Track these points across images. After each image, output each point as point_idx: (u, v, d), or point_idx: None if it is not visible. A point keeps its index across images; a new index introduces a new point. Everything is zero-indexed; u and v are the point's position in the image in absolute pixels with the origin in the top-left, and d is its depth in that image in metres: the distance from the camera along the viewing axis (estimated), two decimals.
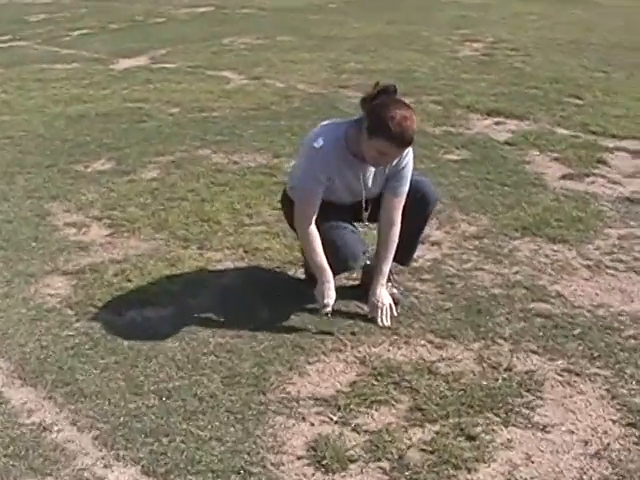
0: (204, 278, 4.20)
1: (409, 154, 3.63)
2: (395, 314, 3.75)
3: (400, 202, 3.71)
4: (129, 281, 4.14)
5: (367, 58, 9.87)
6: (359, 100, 3.56)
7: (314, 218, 3.62)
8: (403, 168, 3.65)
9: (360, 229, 4.02)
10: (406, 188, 3.70)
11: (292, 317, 3.80)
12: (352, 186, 3.67)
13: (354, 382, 3.33)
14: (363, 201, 3.71)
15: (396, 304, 3.83)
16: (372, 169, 3.63)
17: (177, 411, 3.14)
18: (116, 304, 3.92)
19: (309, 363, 3.46)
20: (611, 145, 6.38)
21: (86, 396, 3.24)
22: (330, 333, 3.65)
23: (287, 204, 3.84)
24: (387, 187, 3.70)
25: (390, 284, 3.95)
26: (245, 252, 4.49)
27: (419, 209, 3.78)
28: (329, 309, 3.61)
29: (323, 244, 3.60)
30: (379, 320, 3.71)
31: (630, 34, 11.86)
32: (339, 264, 3.64)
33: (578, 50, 10.39)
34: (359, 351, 3.55)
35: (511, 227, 4.81)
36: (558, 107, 7.52)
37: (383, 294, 3.74)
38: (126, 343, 3.59)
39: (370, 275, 3.86)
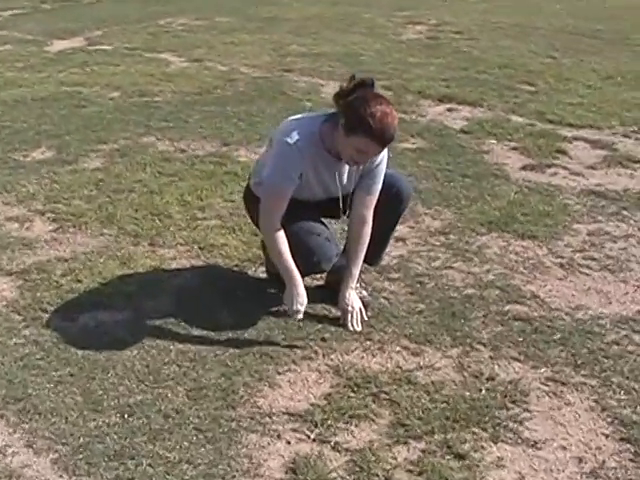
0: (159, 278, 3.92)
1: (384, 155, 3.41)
2: (366, 318, 3.53)
3: (373, 200, 3.50)
4: (79, 282, 3.84)
5: (310, 41, 9.62)
6: (333, 95, 3.31)
7: (281, 217, 3.35)
8: (378, 165, 3.44)
9: (335, 225, 3.77)
10: (379, 186, 3.49)
11: (256, 321, 3.57)
12: (326, 183, 3.44)
13: (329, 394, 3.10)
14: (340, 199, 3.47)
15: (366, 307, 3.63)
16: (347, 166, 3.40)
17: (141, 430, 2.88)
18: (67, 308, 3.63)
19: (279, 373, 3.22)
20: (569, 134, 6.26)
21: (41, 414, 2.95)
22: (299, 339, 3.41)
23: (251, 200, 3.59)
24: (360, 184, 3.48)
25: (358, 285, 3.72)
26: (200, 249, 4.23)
27: (392, 205, 3.57)
28: (300, 315, 3.38)
29: (292, 245, 3.36)
30: (350, 325, 3.50)
31: (573, 18, 11.83)
32: (310, 266, 3.41)
33: (524, 34, 10.29)
34: (331, 359, 3.33)
35: (477, 222, 4.63)
36: (511, 94, 7.38)
37: (353, 298, 3.52)
38: (80, 352, 3.30)
39: (337, 276, 3.64)
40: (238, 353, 3.33)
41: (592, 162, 5.71)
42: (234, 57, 8.46)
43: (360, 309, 3.51)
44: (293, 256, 3.38)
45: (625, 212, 4.87)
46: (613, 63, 8.80)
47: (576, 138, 6.20)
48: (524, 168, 5.53)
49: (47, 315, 3.57)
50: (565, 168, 5.57)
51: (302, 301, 3.37)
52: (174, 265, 4.06)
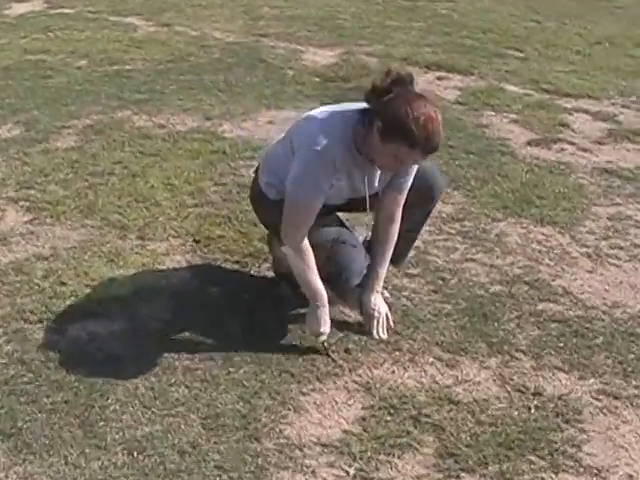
0: (153, 278, 3.52)
1: None
2: (392, 325, 3.16)
3: (402, 198, 3.14)
4: (63, 284, 3.43)
5: (282, 2, 9.11)
6: (365, 92, 2.88)
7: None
8: (411, 168, 3.04)
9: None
10: (410, 183, 3.09)
11: (268, 329, 3.20)
12: (356, 186, 3.06)
13: (363, 418, 2.75)
14: (367, 198, 3.07)
15: (389, 309, 3.25)
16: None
17: (155, 471, 2.51)
18: (52, 317, 3.22)
19: (303, 394, 2.86)
20: (568, 105, 5.93)
21: (35, 453, 2.56)
22: (320, 352, 3.04)
23: (263, 203, 3.20)
24: (392, 182, 3.09)
25: None
26: (195, 242, 3.82)
27: (424, 202, 3.22)
28: (325, 337, 3.04)
29: (315, 256, 2.97)
30: (375, 333, 3.14)
31: None
32: (338, 285, 3.10)
33: None
34: (359, 375, 2.97)
35: (491, 206, 4.28)
36: (500, 61, 7.02)
37: (379, 302, 3.16)
38: (74, 373, 2.91)
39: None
40: (253, 370, 2.96)
41: (597, 136, 5.39)
42: (204, 21, 7.95)
43: (387, 314, 3.14)
44: (319, 270, 2.99)
45: None
46: (598, 27, 8.49)
47: (576, 110, 5.86)
48: (529, 144, 5.19)
49: (31, 327, 3.16)
50: (571, 143, 5.24)
51: (328, 321, 3.04)
52: (168, 262, 3.65)
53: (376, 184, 3.06)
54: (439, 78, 6.54)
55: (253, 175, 3.36)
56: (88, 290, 3.41)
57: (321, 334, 3.02)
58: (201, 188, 4.35)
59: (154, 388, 2.85)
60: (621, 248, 3.94)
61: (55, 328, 3.16)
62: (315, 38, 7.51)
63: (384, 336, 3.14)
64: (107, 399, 2.78)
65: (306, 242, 2.97)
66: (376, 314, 3.13)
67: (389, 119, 2.76)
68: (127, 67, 6.43)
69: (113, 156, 4.70)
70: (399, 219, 3.15)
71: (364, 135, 2.86)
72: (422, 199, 3.16)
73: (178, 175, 4.48)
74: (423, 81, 6.41)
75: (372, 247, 3.22)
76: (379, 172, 3.01)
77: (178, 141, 4.95)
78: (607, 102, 6.09)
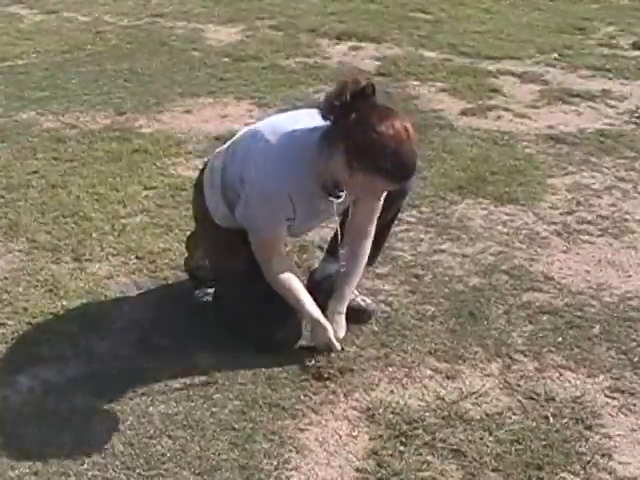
0: (101, 309, 3.15)
1: None
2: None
3: (376, 212, 2.84)
4: (1, 325, 3.02)
5: None
6: (321, 107, 2.54)
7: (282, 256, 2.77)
8: None
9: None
10: (382, 202, 2.79)
11: (245, 356, 2.85)
12: (321, 214, 2.78)
13: (374, 452, 2.47)
14: (338, 230, 2.79)
15: (369, 317, 2.97)
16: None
17: None
18: None
19: (301, 430, 2.56)
20: (492, 68, 5.78)
21: None
22: (308, 376, 2.75)
23: (207, 226, 2.87)
24: (365, 202, 2.78)
25: (357, 291, 3.08)
26: (138, 259, 3.46)
27: (394, 199, 2.91)
28: (339, 346, 2.81)
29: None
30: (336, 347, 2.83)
31: None
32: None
33: None
34: (356, 399, 2.69)
35: (445, 188, 4.05)
36: (411, 25, 6.82)
37: (339, 326, 2.86)
38: (35, 436, 2.53)
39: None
40: (239, 408, 2.64)
41: (530, 99, 5.24)
42: (92, 4, 7.43)
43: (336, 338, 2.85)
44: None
45: (593, 159, 4.42)
46: None
47: (501, 72, 5.71)
48: (464, 113, 5.00)
49: None
50: (506, 109, 5.09)
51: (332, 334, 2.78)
52: (113, 286, 3.27)
53: (346, 205, 2.76)
54: (353, 48, 6.28)
55: (193, 190, 3.02)
56: (31, 329, 3.01)
57: (335, 346, 2.76)
58: (130, 195, 3.97)
59: (133, 444, 2.49)
60: (589, 222, 3.78)
61: (3, 381, 2.74)
62: (213, 14, 7.13)
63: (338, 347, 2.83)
64: (82, 464, 2.41)
65: (286, 270, 2.74)
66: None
67: (353, 147, 2.44)
68: (20, 62, 5.92)
69: (26, 165, 4.25)
70: (372, 234, 2.87)
71: (326, 163, 2.54)
72: (392, 196, 2.86)
73: (102, 181, 4.08)
74: (337, 53, 6.16)
75: (342, 263, 2.93)
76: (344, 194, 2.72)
77: (94, 142, 4.54)
78: (530, 61, 5.96)
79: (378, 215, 2.89)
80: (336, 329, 2.83)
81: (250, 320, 2.82)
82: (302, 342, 2.88)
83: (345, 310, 2.89)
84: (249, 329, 2.84)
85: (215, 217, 2.83)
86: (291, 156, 2.57)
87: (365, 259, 2.90)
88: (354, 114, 2.42)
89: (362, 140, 2.40)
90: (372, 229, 2.85)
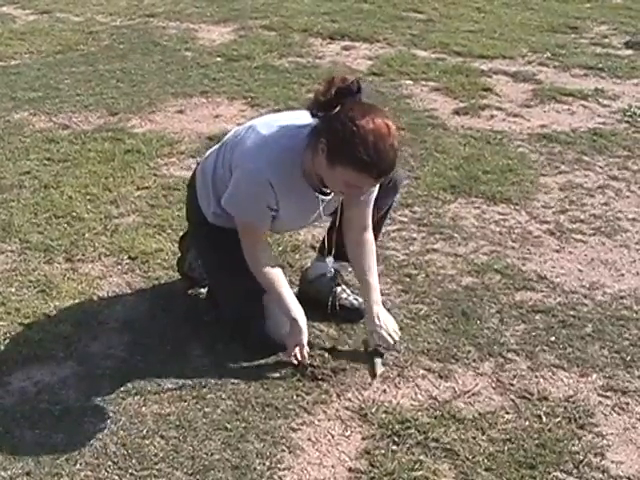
0: (94, 308, 3.14)
1: None
2: (397, 339, 2.85)
3: (369, 206, 2.83)
4: None
5: None
6: (309, 104, 2.56)
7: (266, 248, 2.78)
8: None
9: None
10: (375, 194, 2.79)
11: (237, 355, 2.86)
12: (308, 212, 2.79)
13: (367, 451, 2.47)
14: (325, 237, 2.87)
15: (361, 316, 2.97)
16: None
17: None
18: None
19: (293, 430, 2.55)
20: (485, 68, 5.77)
21: None
22: (305, 377, 2.74)
23: (199, 226, 2.89)
24: (354, 200, 2.77)
25: (350, 290, 3.08)
26: (131, 259, 3.45)
27: (386, 196, 2.91)
28: (294, 360, 2.77)
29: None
30: (389, 342, 2.81)
31: None
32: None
33: None
34: (349, 399, 2.68)
35: (438, 187, 4.05)
36: (403, 24, 6.80)
37: (384, 316, 2.83)
38: (29, 435, 2.53)
39: (318, 287, 3.02)
40: (232, 408, 2.63)
41: (523, 99, 5.24)
42: (85, 4, 7.40)
43: (394, 330, 2.82)
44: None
45: (586, 158, 4.42)
46: None
47: (494, 71, 5.71)
48: (457, 113, 4.99)
49: None
50: (499, 109, 5.07)
51: (305, 337, 2.72)
52: (106, 286, 3.26)
53: (331, 208, 2.77)
54: (345, 48, 6.27)
55: (187, 189, 3.02)
56: (23, 329, 3.00)
57: (303, 351, 2.72)
58: (123, 195, 3.97)
59: (125, 444, 2.49)
60: (582, 221, 3.78)
61: None
62: (206, 14, 7.11)
63: (391, 341, 2.81)
64: (75, 464, 2.41)
65: (269, 264, 2.74)
66: (383, 332, 2.80)
67: (333, 139, 2.44)
68: (13, 62, 5.90)
69: (19, 166, 4.24)
70: (370, 225, 2.85)
71: (312, 158, 2.53)
72: (384, 193, 2.85)
73: (95, 182, 4.07)
74: (329, 52, 6.15)
75: (350, 258, 2.92)
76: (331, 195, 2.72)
77: (86, 142, 4.53)
78: (522, 61, 5.95)
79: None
80: (384, 319, 2.79)
81: (243, 319, 2.81)
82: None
83: (381, 299, 2.85)
84: (242, 328, 2.83)
85: (207, 215, 2.83)
86: (278, 146, 2.60)
87: (373, 245, 2.87)
88: (337, 109, 2.41)
89: (341, 132, 2.41)
90: (370, 222, 2.84)
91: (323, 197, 2.70)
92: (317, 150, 2.51)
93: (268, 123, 2.69)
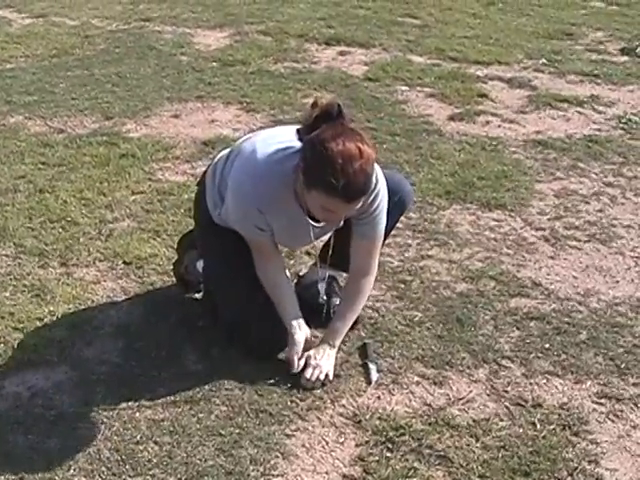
0: (88, 314, 3.13)
1: (379, 190, 2.67)
2: (325, 384, 2.79)
3: (376, 248, 2.82)
4: None
5: None
6: (297, 129, 2.58)
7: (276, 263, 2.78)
8: (374, 211, 2.71)
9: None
10: (382, 226, 2.78)
11: (232, 362, 2.85)
12: (298, 236, 2.80)
13: (361, 458, 2.47)
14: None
15: (356, 322, 2.96)
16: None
17: None
18: None
19: (287, 436, 2.55)
20: (480, 74, 5.77)
21: None
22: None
23: (205, 224, 2.88)
24: (356, 230, 2.77)
25: (335, 295, 3.08)
26: (126, 264, 3.44)
27: (393, 214, 2.88)
28: (294, 370, 2.77)
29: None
30: (303, 381, 2.76)
31: None
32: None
33: None
34: (343, 406, 2.68)
35: (433, 193, 4.04)
36: (399, 30, 6.80)
37: (325, 358, 2.79)
38: (22, 440, 2.52)
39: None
40: (226, 413, 2.63)
41: (518, 105, 5.25)
42: (81, 8, 7.40)
43: (327, 375, 2.77)
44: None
45: (581, 164, 4.43)
46: None
47: (490, 77, 5.71)
48: (452, 118, 4.99)
49: None
50: (494, 115, 5.08)
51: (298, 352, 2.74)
52: (101, 291, 3.26)
53: (326, 232, 2.79)
54: (341, 53, 6.27)
55: (197, 187, 3.03)
56: (17, 334, 2.99)
57: (293, 366, 2.73)
58: (118, 199, 3.96)
59: (119, 449, 2.48)
60: (577, 228, 3.78)
61: None
62: (202, 19, 7.11)
63: (308, 385, 2.77)
64: (69, 470, 2.41)
65: (271, 269, 2.77)
66: (316, 371, 2.77)
67: (305, 162, 2.45)
68: (9, 66, 5.89)
69: (14, 170, 4.23)
70: (374, 270, 2.85)
71: (298, 181, 2.55)
72: (391, 211, 2.84)
73: (90, 186, 4.07)
74: (325, 58, 6.16)
75: (341, 296, 2.95)
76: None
77: (81, 147, 4.52)
78: (518, 67, 5.96)
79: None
80: (322, 360, 2.76)
81: (243, 322, 2.80)
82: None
83: (338, 345, 2.83)
84: (240, 333, 2.82)
85: (213, 216, 2.84)
86: (268, 170, 2.60)
87: (365, 297, 2.87)
88: (315, 135, 2.43)
89: (311, 155, 2.42)
90: (374, 266, 2.83)
91: (314, 223, 2.68)
92: (299, 174, 2.50)
93: (268, 141, 2.68)
